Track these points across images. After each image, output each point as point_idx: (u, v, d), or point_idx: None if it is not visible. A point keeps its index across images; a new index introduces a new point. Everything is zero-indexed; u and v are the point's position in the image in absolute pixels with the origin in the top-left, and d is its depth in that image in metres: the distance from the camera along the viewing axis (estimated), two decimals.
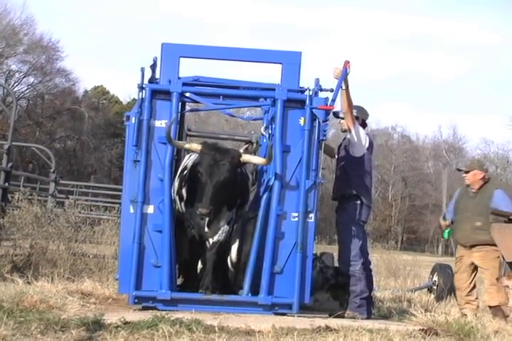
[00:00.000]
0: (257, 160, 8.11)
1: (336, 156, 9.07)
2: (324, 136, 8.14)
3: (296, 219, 8.07)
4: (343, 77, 8.27)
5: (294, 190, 8.11)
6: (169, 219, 7.94)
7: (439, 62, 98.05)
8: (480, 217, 9.45)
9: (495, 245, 9.29)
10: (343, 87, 8.36)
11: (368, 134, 8.89)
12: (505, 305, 9.23)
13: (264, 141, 8.98)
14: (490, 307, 9.39)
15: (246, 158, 7.99)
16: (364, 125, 9.00)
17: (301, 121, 8.14)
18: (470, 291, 9.59)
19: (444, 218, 10.00)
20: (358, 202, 8.64)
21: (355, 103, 8.74)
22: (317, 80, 8.26)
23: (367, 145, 8.76)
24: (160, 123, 8.13)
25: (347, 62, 8.29)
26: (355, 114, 8.80)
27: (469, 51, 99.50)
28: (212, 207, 7.65)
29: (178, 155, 8.83)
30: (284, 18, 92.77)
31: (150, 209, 8.03)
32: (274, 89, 8.35)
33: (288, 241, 8.08)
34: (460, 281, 9.67)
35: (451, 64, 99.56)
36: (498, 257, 9.40)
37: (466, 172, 9.74)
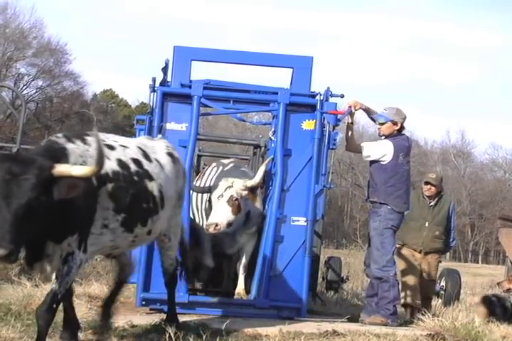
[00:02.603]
0: (79, 171, 5.23)
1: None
2: (334, 144, 8.16)
3: (297, 223, 8.07)
4: (348, 113, 8.41)
5: (295, 193, 8.10)
6: (188, 223, 7.95)
7: (448, 67, 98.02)
8: (438, 226, 10.08)
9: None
10: (349, 121, 8.55)
11: (397, 139, 8.76)
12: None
13: (272, 145, 8.98)
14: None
15: (62, 169, 5.21)
16: (402, 128, 8.78)
17: (304, 125, 8.14)
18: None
19: None
20: (389, 207, 8.50)
21: (378, 106, 8.85)
22: (328, 89, 8.26)
23: (390, 153, 8.54)
24: (181, 127, 8.14)
25: (353, 106, 8.42)
26: (402, 121, 8.70)
27: (478, 56, 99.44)
28: (14, 246, 5.02)
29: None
30: (288, 23, 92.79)
31: None
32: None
33: (288, 245, 8.07)
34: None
35: (460, 68, 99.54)
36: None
37: (433, 185, 10.11)
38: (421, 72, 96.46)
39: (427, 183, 10.11)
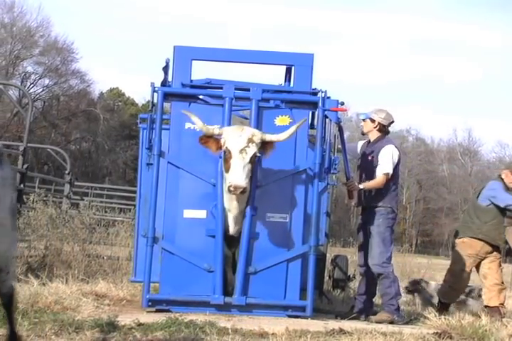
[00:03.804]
0: None
1: (359, 163, 9.04)
2: (335, 169, 8.13)
3: (272, 219, 8.03)
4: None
5: (270, 190, 8.04)
6: (222, 224, 7.90)
7: (455, 65, 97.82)
8: None
9: None
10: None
11: (394, 142, 8.96)
12: (503, 306, 9.30)
13: None
14: (487, 306, 9.34)
15: None
16: (385, 130, 8.91)
17: (277, 121, 8.13)
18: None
19: None
20: (390, 208, 8.69)
21: (377, 106, 8.92)
22: (326, 94, 8.21)
23: (397, 158, 8.74)
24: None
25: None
26: (381, 121, 8.79)
27: (486, 54, 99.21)
28: None
29: None
30: (288, 21, 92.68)
31: (202, 214, 7.99)
32: (289, 91, 8.41)
33: (265, 242, 8.00)
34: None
35: (466, 67, 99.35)
36: None
37: None
38: (428, 71, 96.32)
39: None
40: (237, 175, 7.33)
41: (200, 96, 8.31)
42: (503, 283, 9.51)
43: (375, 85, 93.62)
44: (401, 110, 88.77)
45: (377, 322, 8.11)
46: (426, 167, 70.43)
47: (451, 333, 7.31)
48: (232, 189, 7.27)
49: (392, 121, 8.97)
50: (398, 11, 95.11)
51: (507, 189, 9.44)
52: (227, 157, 7.51)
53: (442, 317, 7.99)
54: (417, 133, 75.32)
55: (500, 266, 9.51)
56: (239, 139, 7.49)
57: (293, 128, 7.66)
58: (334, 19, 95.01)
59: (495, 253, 9.49)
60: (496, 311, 9.12)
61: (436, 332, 7.26)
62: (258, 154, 7.53)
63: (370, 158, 8.77)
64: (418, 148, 73.20)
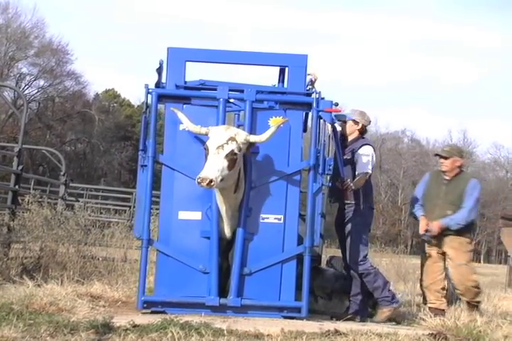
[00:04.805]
0: None
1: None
2: (330, 170, 8.13)
3: (266, 220, 8.02)
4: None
5: (264, 191, 8.04)
6: (216, 225, 7.90)
7: (450, 67, 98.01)
8: (451, 205, 9.12)
9: (467, 236, 9.19)
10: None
11: (369, 144, 9.01)
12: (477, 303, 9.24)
13: None
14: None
15: None
16: (365, 131, 9.09)
17: (271, 122, 8.12)
18: (443, 284, 9.30)
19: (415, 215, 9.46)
20: (367, 205, 8.81)
21: (360, 108, 9.13)
22: (320, 95, 8.19)
23: (374, 158, 8.92)
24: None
25: None
26: (364, 122, 8.98)
27: (481, 55, 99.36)
28: None
29: None
30: (288, 22, 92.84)
31: (197, 215, 7.99)
32: (284, 92, 8.40)
33: (259, 243, 7.98)
34: (435, 274, 9.27)
35: (461, 68, 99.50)
36: (471, 251, 9.31)
37: (445, 158, 9.25)
38: (423, 72, 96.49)
39: (440, 157, 9.32)
40: (207, 167, 7.39)
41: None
42: (478, 286, 9.24)
43: (374, 86, 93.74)
44: (397, 111, 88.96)
45: (382, 322, 8.36)
46: (421, 168, 70.41)
47: (447, 334, 7.31)
48: (199, 181, 7.27)
49: (370, 122, 9.20)
50: (397, 13, 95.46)
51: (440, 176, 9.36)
52: (206, 153, 7.61)
53: (437, 318, 8.01)
54: (412, 134, 75.53)
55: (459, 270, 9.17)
56: (220, 136, 7.59)
57: (273, 129, 7.71)
58: (334, 20, 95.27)
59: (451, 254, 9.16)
60: (472, 307, 9.06)
61: (432, 333, 7.26)
62: (237, 152, 7.56)
63: (345, 157, 8.83)
64: (413, 149, 73.31)
